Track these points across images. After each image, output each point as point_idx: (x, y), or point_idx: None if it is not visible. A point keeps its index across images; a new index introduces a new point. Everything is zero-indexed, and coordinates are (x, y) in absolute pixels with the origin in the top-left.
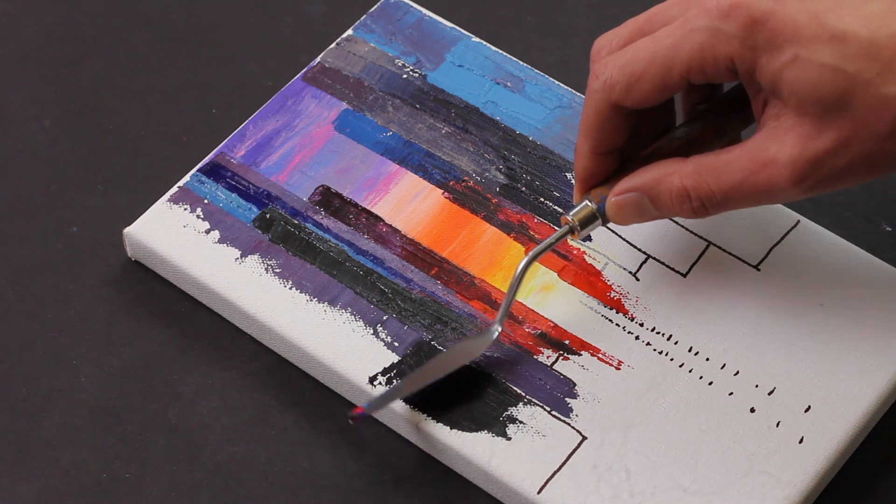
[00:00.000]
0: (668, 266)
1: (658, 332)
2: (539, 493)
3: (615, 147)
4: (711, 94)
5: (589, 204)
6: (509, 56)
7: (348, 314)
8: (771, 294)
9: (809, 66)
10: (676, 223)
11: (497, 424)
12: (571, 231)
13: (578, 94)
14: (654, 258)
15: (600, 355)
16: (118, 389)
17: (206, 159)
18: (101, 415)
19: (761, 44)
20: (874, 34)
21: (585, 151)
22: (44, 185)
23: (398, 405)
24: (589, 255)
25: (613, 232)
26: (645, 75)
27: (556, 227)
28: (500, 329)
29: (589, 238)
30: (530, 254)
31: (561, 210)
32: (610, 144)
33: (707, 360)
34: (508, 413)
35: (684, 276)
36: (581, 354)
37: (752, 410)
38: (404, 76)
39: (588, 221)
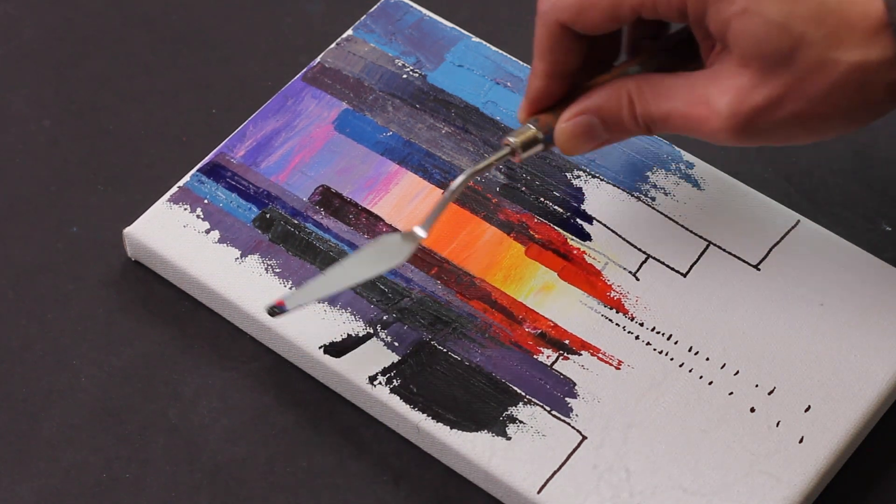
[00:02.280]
0: (668, 266)
1: (658, 332)
2: (539, 492)
3: (569, 70)
4: (658, 31)
5: (531, 127)
6: (509, 56)
7: (348, 314)
8: (771, 294)
9: (757, 20)
10: (676, 223)
11: (497, 424)
12: (512, 153)
13: None
14: (654, 258)
15: (600, 355)
16: (118, 389)
17: (206, 159)
18: (101, 415)
19: None
20: None
21: (539, 72)
22: (44, 185)
23: (398, 405)
24: (589, 255)
25: (613, 232)
26: (597, 2)
27: (556, 227)
28: (424, 235)
29: (589, 237)
30: (468, 171)
31: (561, 210)
32: (563, 66)
33: (707, 360)
34: (508, 413)
35: (684, 276)
36: (581, 354)
37: (752, 410)
38: (404, 76)
39: (530, 144)
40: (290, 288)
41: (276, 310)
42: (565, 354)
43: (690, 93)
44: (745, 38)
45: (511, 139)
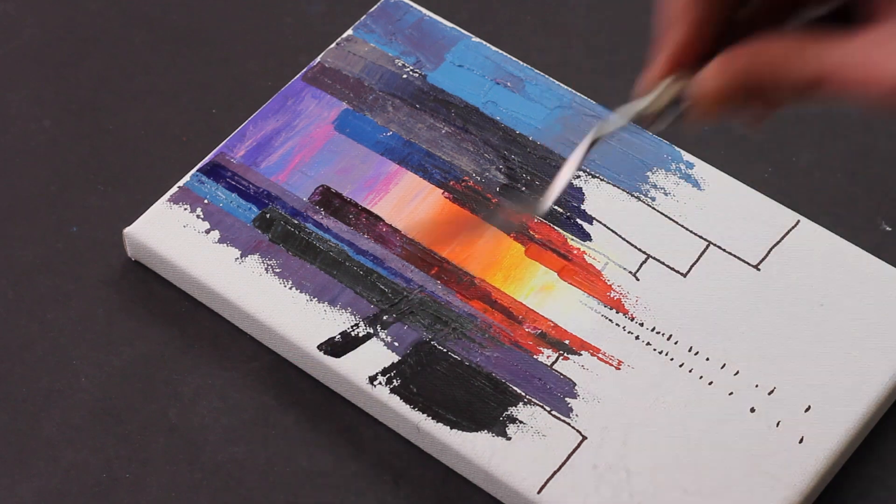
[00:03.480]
0: (668, 266)
1: (658, 332)
2: (539, 493)
3: (725, 14)
4: None
5: (669, 87)
6: (509, 56)
7: (348, 314)
8: (771, 294)
9: None
10: (676, 223)
11: (497, 424)
12: (649, 118)
13: (578, 94)
14: (654, 258)
15: (600, 355)
16: (118, 389)
17: (206, 159)
18: (101, 415)
19: None
20: None
21: (690, 18)
22: (44, 185)
23: (398, 405)
24: (589, 255)
25: (613, 232)
26: None
27: (556, 227)
28: (546, 207)
29: (589, 237)
30: (591, 134)
31: (561, 210)
32: (719, 11)
33: (707, 360)
34: (508, 413)
35: (684, 276)
36: (581, 354)
37: (752, 410)
38: (404, 76)
39: (668, 110)
40: (290, 288)
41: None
42: (565, 354)
43: (857, 51)
44: None
45: (646, 102)
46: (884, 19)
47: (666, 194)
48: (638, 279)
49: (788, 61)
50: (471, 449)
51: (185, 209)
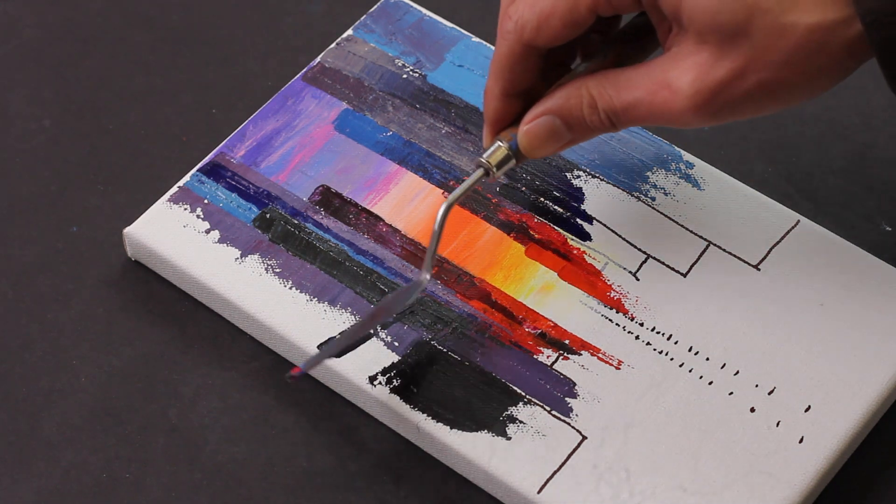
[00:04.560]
0: (668, 266)
1: (658, 332)
2: (539, 492)
3: (525, 88)
4: (610, 27)
5: (501, 144)
6: None
7: (348, 314)
8: (771, 294)
9: None
10: (676, 223)
11: (497, 424)
12: (487, 174)
13: None
14: (654, 258)
15: (600, 355)
16: (118, 389)
17: (206, 159)
18: (101, 415)
19: None
20: None
21: (496, 93)
22: (44, 185)
23: (398, 405)
24: (589, 255)
25: (613, 232)
26: (554, 12)
27: (556, 227)
28: (428, 277)
29: (589, 237)
30: (448, 200)
31: (561, 210)
32: (520, 85)
33: (707, 360)
34: (508, 413)
35: (684, 276)
36: (581, 354)
37: (752, 410)
38: (404, 76)
39: (503, 162)
40: (290, 288)
41: (294, 375)
42: (565, 354)
43: (651, 80)
44: (699, 13)
45: (483, 160)
46: (668, 47)
47: (666, 194)
48: (638, 279)
49: (582, 107)
50: (471, 449)
51: (185, 209)
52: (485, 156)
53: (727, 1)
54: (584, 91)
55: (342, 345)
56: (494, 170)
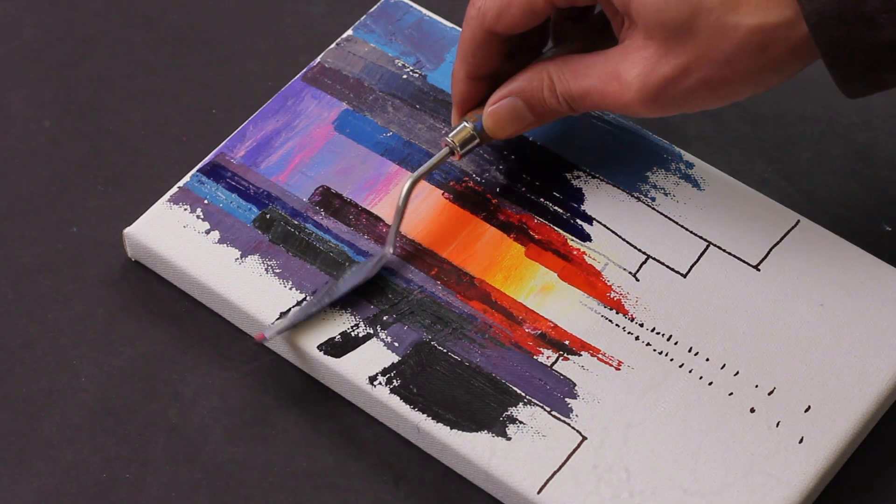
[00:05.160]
0: (668, 266)
1: (658, 332)
2: (539, 493)
3: (490, 71)
4: (583, 15)
5: (466, 124)
6: None
7: (348, 314)
8: (771, 294)
9: None
10: (676, 223)
11: (497, 424)
12: (452, 152)
13: None
14: (654, 258)
15: (600, 355)
16: (118, 389)
17: (206, 159)
18: (101, 415)
19: None
20: None
21: (462, 76)
22: (44, 185)
23: (398, 405)
24: (589, 255)
25: (613, 232)
26: (514, 1)
27: (556, 228)
28: (391, 251)
29: (589, 238)
30: (412, 176)
31: (561, 210)
32: (485, 69)
33: (707, 360)
34: (508, 413)
35: (684, 276)
36: (581, 354)
37: (752, 410)
38: (404, 76)
39: (467, 141)
40: (290, 288)
41: (258, 341)
42: (565, 355)
43: (604, 69)
44: (646, 10)
45: (448, 139)
46: (622, 39)
47: (666, 194)
48: (638, 279)
49: (543, 90)
50: (471, 449)
51: (185, 209)
52: (450, 135)
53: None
54: (545, 74)
55: (301, 315)
56: (458, 148)
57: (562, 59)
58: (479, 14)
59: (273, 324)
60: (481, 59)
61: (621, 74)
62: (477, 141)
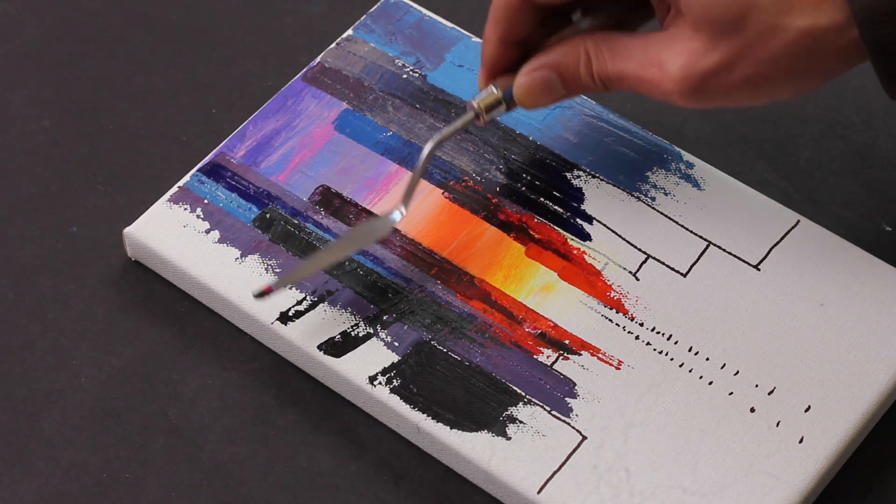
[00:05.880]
0: (668, 266)
1: (658, 332)
2: (539, 493)
3: (522, 37)
4: None
5: (494, 90)
6: None
7: (348, 314)
8: (771, 294)
9: None
10: (676, 223)
11: (497, 424)
12: (477, 116)
13: None
14: (654, 258)
15: (600, 355)
16: (118, 389)
17: (206, 159)
18: (101, 415)
19: None
20: None
21: (494, 39)
22: (44, 185)
23: (398, 405)
24: (589, 255)
25: (613, 232)
26: None
27: (556, 227)
28: (404, 212)
29: (589, 237)
30: (436, 137)
31: (561, 210)
32: (517, 34)
33: (707, 360)
34: (508, 413)
35: (684, 276)
36: (581, 354)
37: (752, 410)
38: (404, 76)
39: (492, 107)
40: (290, 288)
41: (264, 293)
42: (565, 354)
43: (645, 54)
44: (697, 3)
45: (474, 102)
46: (666, 26)
47: (666, 194)
48: (638, 279)
49: (579, 66)
50: (471, 449)
51: (185, 209)
52: (476, 99)
53: None
54: (583, 50)
55: (314, 266)
56: (484, 113)
57: (601, 35)
58: None
59: (281, 277)
60: (515, 24)
61: (664, 63)
62: (503, 107)
